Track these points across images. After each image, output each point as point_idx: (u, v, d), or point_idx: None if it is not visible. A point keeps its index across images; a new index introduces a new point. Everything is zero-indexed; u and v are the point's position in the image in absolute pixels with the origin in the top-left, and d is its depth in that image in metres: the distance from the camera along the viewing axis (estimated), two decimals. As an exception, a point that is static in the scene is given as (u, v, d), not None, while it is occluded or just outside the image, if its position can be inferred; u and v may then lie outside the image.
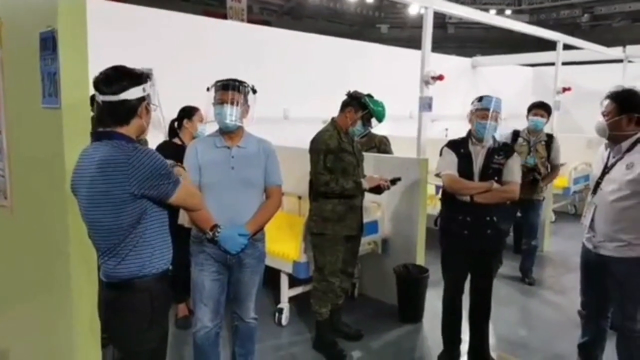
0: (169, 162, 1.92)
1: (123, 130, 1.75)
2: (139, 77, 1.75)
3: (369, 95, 3.15)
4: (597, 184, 2.56)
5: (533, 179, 4.23)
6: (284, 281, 3.64)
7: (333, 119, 3.19)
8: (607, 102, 2.55)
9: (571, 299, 3.54)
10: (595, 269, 2.60)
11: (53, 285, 2.35)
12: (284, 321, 3.62)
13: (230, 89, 2.42)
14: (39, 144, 2.29)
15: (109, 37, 3.60)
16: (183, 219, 3.12)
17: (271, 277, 3.41)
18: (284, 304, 3.65)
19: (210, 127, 3.32)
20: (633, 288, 2.48)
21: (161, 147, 3.43)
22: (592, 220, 2.55)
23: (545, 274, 4.83)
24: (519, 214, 4.51)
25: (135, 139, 1.80)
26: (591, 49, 6.75)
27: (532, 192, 4.28)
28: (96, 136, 1.76)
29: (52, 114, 2.10)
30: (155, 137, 3.50)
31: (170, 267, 1.89)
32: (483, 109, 2.84)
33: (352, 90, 3.18)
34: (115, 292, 1.80)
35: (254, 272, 2.56)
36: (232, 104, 2.41)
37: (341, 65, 6.12)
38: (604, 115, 2.53)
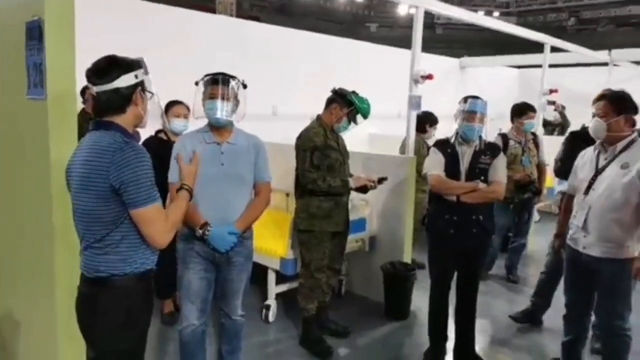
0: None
1: (120, 120, 1.73)
2: (131, 65, 1.74)
3: (354, 92, 3.16)
4: (589, 185, 2.55)
5: (534, 191, 4.41)
6: (271, 278, 3.63)
7: (319, 116, 3.18)
8: (601, 103, 2.52)
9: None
10: (583, 270, 2.61)
11: (36, 280, 2.31)
12: (271, 318, 3.61)
13: (221, 84, 2.39)
14: (23, 136, 2.25)
15: (95, 27, 3.54)
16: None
17: (258, 273, 3.40)
18: (271, 301, 3.64)
19: (180, 123, 3.29)
20: (622, 288, 2.50)
21: (147, 142, 3.39)
22: (585, 221, 2.53)
23: (528, 272, 4.88)
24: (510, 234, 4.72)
25: (133, 130, 1.78)
26: (578, 52, 6.83)
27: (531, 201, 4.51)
28: (94, 125, 1.73)
29: (38, 106, 2.06)
30: (155, 128, 3.44)
31: (154, 268, 1.84)
32: (469, 112, 2.88)
33: (337, 87, 3.18)
34: (91, 288, 1.74)
35: (241, 270, 2.55)
36: (223, 98, 2.38)
37: (330, 63, 6.11)
38: (599, 117, 2.51)
